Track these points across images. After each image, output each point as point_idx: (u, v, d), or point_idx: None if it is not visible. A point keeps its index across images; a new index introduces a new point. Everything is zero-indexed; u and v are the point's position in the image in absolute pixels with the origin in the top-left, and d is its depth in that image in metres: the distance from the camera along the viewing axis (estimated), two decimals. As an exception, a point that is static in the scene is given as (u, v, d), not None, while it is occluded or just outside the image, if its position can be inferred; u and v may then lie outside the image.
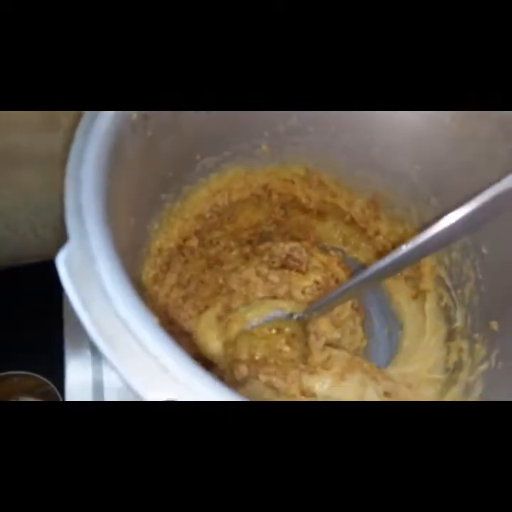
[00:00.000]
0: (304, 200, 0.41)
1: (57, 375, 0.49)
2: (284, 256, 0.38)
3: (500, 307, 0.30)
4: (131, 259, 0.26)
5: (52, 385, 0.49)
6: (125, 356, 0.13)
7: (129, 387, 0.13)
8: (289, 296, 0.35)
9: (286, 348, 0.31)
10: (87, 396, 0.34)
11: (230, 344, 0.31)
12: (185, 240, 0.34)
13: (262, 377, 0.30)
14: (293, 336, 0.32)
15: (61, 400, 0.48)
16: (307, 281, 0.36)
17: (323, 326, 0.34)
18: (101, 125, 0.19)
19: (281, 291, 0.35)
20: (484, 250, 0.31)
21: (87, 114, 0.20)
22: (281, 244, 0.38)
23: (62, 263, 0.15)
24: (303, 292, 0.36)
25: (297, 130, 0.35)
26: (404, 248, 0.27)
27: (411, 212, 0.37)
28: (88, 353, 0.36)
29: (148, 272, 0.31)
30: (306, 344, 0.32)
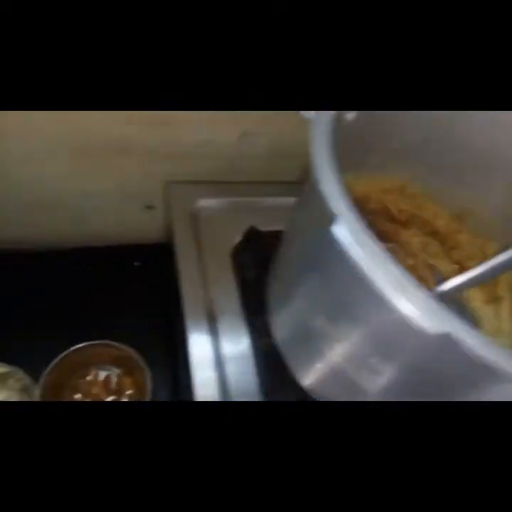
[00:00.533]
0: (393, 211, 0.47)
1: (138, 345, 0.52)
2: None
3: None
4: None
5: (135, 353, 0.52)
6: (410, 302, 0.18)
7: (418, 328, 0.18)
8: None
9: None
10: (209, 368, 0.38)
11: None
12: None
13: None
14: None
15: (144, 366, 0.51)
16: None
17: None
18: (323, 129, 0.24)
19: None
20: None
21: (315, 120, 0.25)
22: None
23: (342, 231, 0.19)
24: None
25: (414, 146, 0.40)
26: None
27: (495, 228, 0.43)
28: (206, 326, 0.40)
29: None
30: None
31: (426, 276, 0.44)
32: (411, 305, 0.18)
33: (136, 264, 0.68)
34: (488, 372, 0.17)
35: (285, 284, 0.34)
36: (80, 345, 0.53)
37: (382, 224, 0.48)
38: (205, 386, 0.37)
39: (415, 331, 0.18)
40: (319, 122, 0.25)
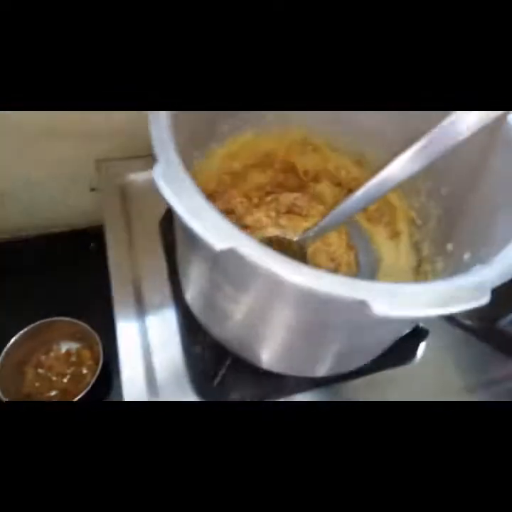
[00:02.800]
0: (299, 170, 0.50)
1: (96, 321, 0.57)
2: (289, 203, 0.47)
3: (455, 233, 0.39)
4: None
5: (89, 328, 0.57)
6: (204, 223, 0.22)
7: (207, 244, 0.22)
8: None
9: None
10: (136, 352, 0.41)
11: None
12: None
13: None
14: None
15: (98, 340, 0.56)
16: (309, 223, 0.45)
17: (321, 260, 0.43)
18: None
19: (288, 232, 0.44)
20: (443, 192, 0.41)
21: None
22: (286, 194, 0.47)
23: (158, 173, 0.23)
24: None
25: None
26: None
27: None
28: (135, 316, 0.44)
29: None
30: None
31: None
32: (201, 225, 0.22)
33: (92, 245, 0.72)
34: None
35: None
36: (40, 322, 0.57)
37: (293, 179, 0.51)
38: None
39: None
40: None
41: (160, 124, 0.26)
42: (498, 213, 0.32)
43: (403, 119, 0.42)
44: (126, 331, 0.43)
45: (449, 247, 0.39)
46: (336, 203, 0.52)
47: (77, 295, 0.63)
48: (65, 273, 0.68)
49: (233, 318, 0.33)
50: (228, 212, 0.47)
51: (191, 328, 0.42)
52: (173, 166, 0.24)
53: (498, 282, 0.22)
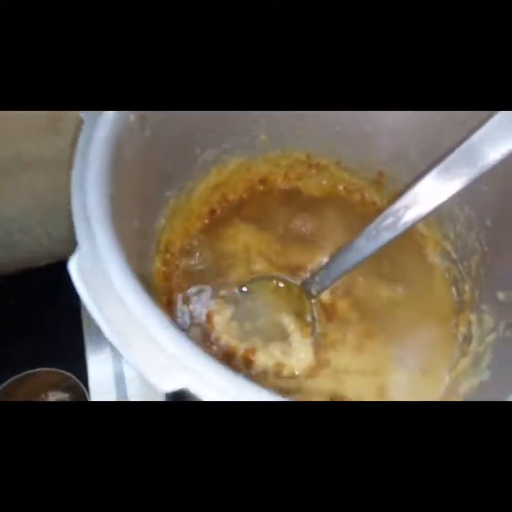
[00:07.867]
0: (305, 193, 0.42)
1: (80, 369, 0.52)
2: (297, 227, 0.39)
3: (507, 277, 0.30)
4: (137, 258, 0.27)
5: (76, 379, 0.52)
6: (138, 351, 0.14)
7: (144, 379, 0.14)
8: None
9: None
10: (110, 388, 0.35)
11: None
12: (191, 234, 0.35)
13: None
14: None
15: (85, 392, 0.50)
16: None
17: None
18: (101, 130, 0.20)
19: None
20: (488, 223, 0.32)
21: (87, 119, 0.20)
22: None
23: (74, 268, 0.16)
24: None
25: (295, 116, 0.35)
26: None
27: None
28: (107, 346, 0.38)
29: (159, 269, 0.32)
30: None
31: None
32: (139, 361, 0.14)
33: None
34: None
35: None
36: (27, 373, 0.52)
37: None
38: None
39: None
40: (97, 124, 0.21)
41: (87, 185, 0.18)
42: None
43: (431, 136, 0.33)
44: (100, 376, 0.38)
45: (500, 296, 0.30)
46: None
47: (64, 335, 0.58)
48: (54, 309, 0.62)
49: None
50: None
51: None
52: (103, 252, 0.16)
53: None
